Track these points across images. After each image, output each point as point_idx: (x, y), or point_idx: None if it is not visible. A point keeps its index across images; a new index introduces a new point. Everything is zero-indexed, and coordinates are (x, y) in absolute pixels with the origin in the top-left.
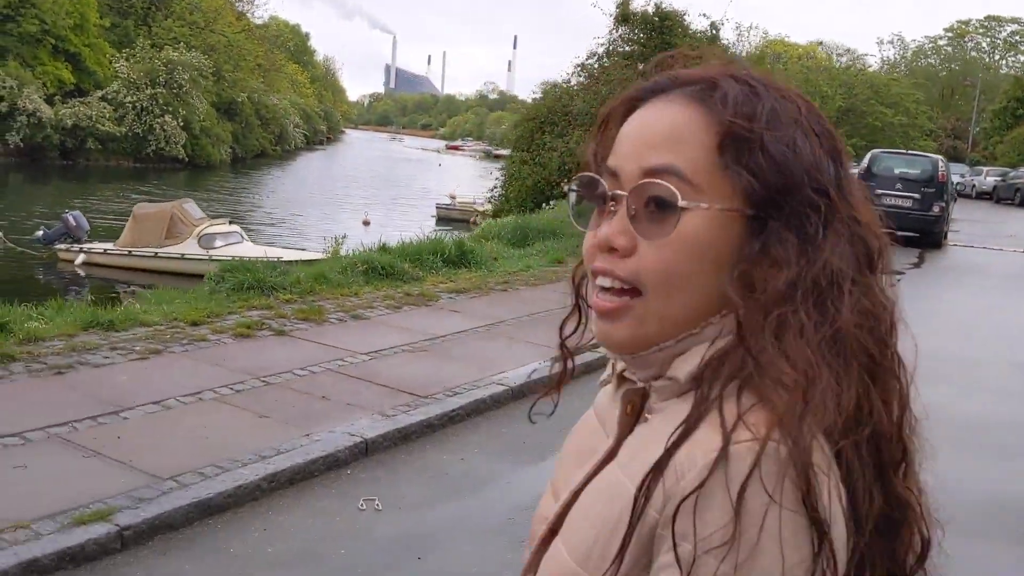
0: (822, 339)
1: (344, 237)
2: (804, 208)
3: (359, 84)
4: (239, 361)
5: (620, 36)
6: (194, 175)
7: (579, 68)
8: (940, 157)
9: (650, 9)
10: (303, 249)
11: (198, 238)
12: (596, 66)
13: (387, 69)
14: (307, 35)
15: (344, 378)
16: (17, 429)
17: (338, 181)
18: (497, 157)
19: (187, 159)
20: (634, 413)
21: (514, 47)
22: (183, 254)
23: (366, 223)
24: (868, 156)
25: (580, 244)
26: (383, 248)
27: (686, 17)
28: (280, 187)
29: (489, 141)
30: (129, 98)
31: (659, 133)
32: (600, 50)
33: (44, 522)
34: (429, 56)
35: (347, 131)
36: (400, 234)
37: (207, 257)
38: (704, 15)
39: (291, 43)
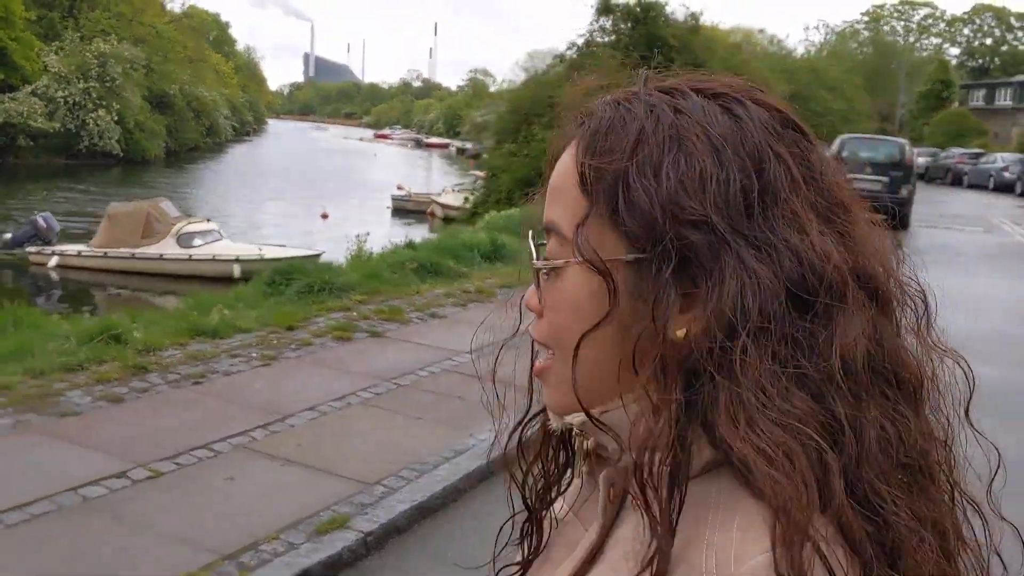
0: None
1: (367, 235)
2: (686, 245)
3: (278, 73)
4: (359, 364)
5: (601, 27)
6: (129, 171)
7: (558, 59)
8: (906, 141)
9: (632, 0)
10: (282, 245)
11: (176, 237)
12: (575, 56)
13: (306, 58)
14: (227, 24)
15: (464, 377)
16: (200, 442)
17: (277, 173)
18: (428, 146)
19: (121, 154)
20: (617, 498)
21: (435, 34)
22: (162, 254)
23: (324, 216)
24: (838, 141)
25: None
26: (410, 245)
27: (667, 7)
28: (222, 181)
29: (418, 129)
30: (60, 93)
31: (551, 183)
32: (580, 40)
33: (290, 532)
34: (348, 44)
35: (270, 121)
36: (368, 230)
37: (187, 256)
38: (684, 5)
39: (212, 33)
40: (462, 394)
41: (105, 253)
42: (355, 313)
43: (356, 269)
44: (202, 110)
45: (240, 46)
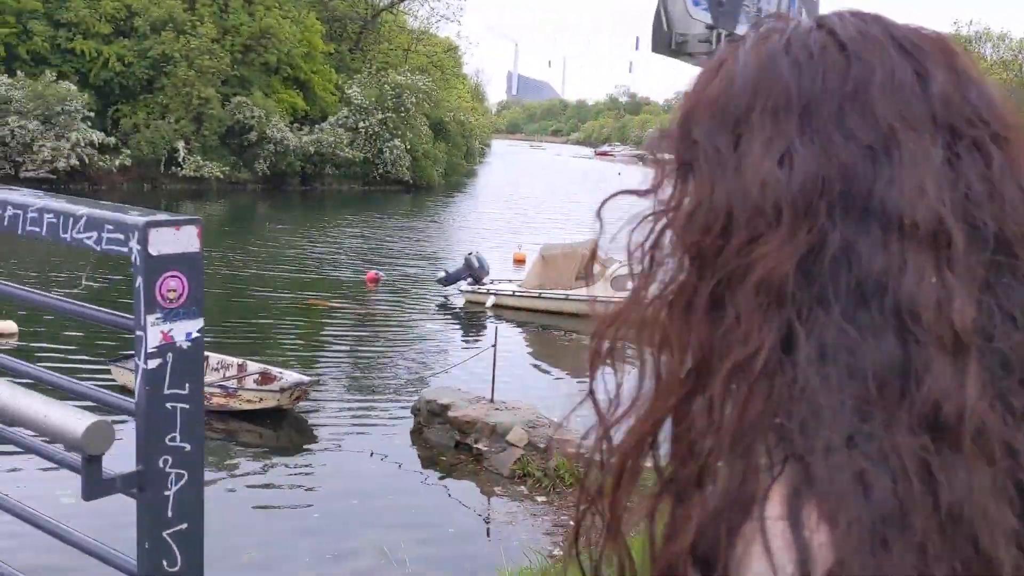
0: None
1: None
2: None
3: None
4: None
5: None
6: (418, 197)
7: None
8: None
9: None
10: None
11: (610, 280)
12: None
13: (509, 76)
14: (457, 48)
15: None
16: None
17: (555, 198)
18: None
19: (411, 181)
20: None
21: (636, 48)
22: (595, 296)
23: None
24: None
25: None
26: None
27: None
28: (510, 208)
29: (635, 145)
30: (362, 123)
31: None
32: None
33: None
34: (549, 61)
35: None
36: None
37: (621, 300)
38: None
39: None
40: None
41: (540, 294)
42: None
43: None
44: (468, 135)
45: (467, 69)
